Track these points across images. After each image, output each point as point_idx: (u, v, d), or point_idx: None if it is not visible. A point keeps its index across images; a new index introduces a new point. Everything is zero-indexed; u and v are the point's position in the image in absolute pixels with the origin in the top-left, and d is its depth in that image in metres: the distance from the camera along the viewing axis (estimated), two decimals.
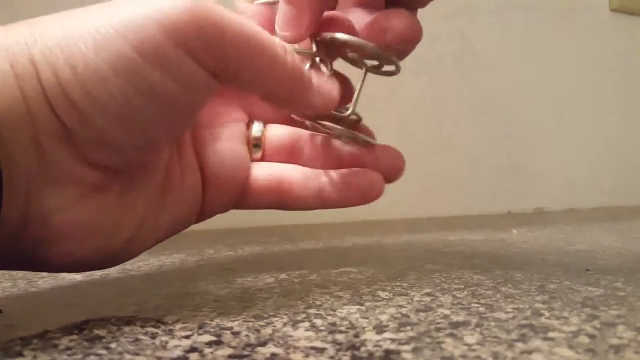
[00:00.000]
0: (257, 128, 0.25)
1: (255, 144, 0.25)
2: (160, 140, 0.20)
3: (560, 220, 0.62)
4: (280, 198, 0.25)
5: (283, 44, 0.20)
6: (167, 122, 0.19)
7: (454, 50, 0.73)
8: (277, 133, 0.26)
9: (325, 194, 0.24)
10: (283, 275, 0.26)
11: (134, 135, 0.18)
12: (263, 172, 0.24)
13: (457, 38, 0.73)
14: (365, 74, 0.25)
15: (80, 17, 0.18)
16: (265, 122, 0.26)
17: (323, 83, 0.22)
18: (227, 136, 0.24)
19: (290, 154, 0.25)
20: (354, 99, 0.25)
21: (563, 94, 0.82)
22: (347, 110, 0.24)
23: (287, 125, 0.26)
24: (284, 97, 0.21)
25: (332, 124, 0.24)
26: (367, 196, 0.25)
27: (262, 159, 0.25)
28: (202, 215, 0.24)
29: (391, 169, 0.25)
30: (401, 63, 0.25)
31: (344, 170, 0.25)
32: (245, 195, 0.24)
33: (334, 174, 0.25)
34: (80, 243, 0.18)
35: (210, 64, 0.18)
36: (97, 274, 0.28)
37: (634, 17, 0.88)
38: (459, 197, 0.71)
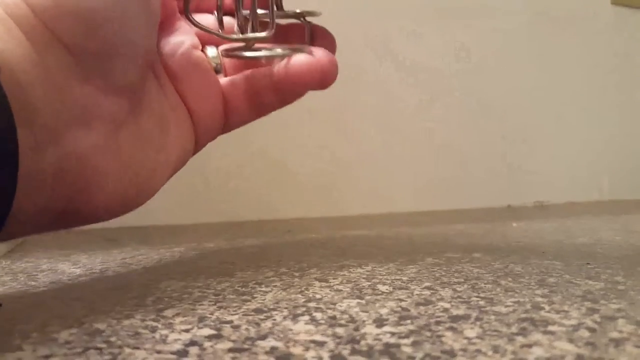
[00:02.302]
0: (212, 52, 0.26)
1: (217, 63, 0.26)
2: (149, 40, 0.21)
3: (560, 214, 0.62)
4: (254, 105, 0.27)
5: None
6: (144, 8, 0.20)
7: (455, 46, 0.73)
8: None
9: (291, 71, 0.25)
10: (283, 269, 0.26)
11: (129, 31, 0.19)
12: (232, 85, 0.26)
13: (457, 35, 0.73)
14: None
15: None
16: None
17: None
18: (194, 67, 0.25)
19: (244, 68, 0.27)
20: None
21: (563, 89, 0.82)
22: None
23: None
24: None
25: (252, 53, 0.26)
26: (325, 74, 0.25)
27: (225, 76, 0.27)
28: (197, 145, 0.26)
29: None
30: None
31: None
32: (228, 115, 0.26)
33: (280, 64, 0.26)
34: (117, 181, 0.20)
35: None
36: (96, 268, 0.28)
37: (635, 10, 0.87)
38: (459, 190, 0.71)
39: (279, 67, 0.26)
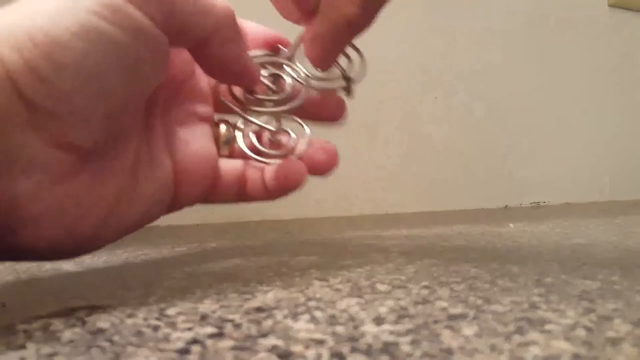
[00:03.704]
0: (226, 128, 0.28)
1: (225, 141, 0.28)
2: (122, 106, 0.20)
3: (556, 215, 0.62)
4: (241, 192, 0.27)
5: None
6: (127, 78, 0.19)
7: (454, 46, 0.73)
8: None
9: (267, 184, 0.27)
10: (283, 269, 0.27)
11: (98, 98, 0.19)
12: (230, 167, 0.27)
13: (457, 33, 0.73)
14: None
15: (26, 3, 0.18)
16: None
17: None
18: (198, 132, 0.26)
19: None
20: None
21: (562, 90, 0.82)
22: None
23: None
24: (222, 42, 0.23)
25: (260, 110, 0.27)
26: (287, 187, 0.27)
27: (229, 156, 0.28)
28: (171, 208, 0.25)
29: (324, 164, 0.28)
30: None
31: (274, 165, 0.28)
32: (214, 189, 0.27)
33: (269, 168, 0.27)
34: (49, 228, 0.19)
35: (159, 18, 0.20)
36: (99, 266, 0.28)
37: (632, 12, 0.88)
38: (456, 191, 0.72)
39: (272, 171, 0.27)
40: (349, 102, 0.28)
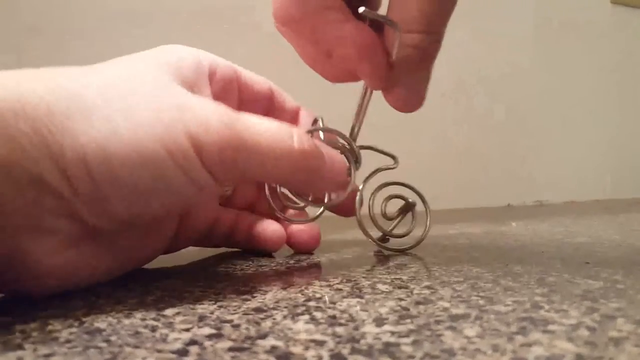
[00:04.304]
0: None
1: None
2: (154, 216, 0.21)
3: (559, 213, 0.62)
4: (230, 239, 0.30)
5: (299, 139, 0.22)
6: (168, 205, 0.21)
7: (454, 47, 0.73)
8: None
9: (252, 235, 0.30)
10: (283, 269, 0.27)
11: (133, 209, 0.20)
12: (230, 216, 0.30)
13: (461, 33, 0.73)
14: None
15: (125, 101, 0.19)
16: None
17: (336, 165, 0.24)
18: None
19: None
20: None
21: (563, 90, 0.82)
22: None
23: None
24: (295, 186, 0.26)
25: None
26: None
27: (225, 205, 0.30)
28: (165, 252, 0.27)
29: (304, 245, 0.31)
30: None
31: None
32: (210, 236, 0.29)
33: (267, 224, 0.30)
34: (56, 281, 0.19)
35: (220, 177, 0.21)
36: None
37: (635, 9, 0.87)
38: (458, 190, 0.71)
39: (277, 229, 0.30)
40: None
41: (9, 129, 0.17)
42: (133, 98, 0.19)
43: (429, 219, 0.32)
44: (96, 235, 0.20)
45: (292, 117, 0.30)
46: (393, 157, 0.32)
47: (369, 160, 0.30)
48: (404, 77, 0.24)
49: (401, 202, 0.32)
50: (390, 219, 0.32)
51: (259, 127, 0.21)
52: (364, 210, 0.30)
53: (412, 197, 0.32)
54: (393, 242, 0.32)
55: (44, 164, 0.17)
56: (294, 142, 0.22)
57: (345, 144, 0.28)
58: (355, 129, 0.29)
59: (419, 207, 0.32)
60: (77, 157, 0.18)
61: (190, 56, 0.24)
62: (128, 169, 0.18)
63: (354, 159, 0.28)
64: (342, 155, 0.28)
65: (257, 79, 0.28)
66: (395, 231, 0.32)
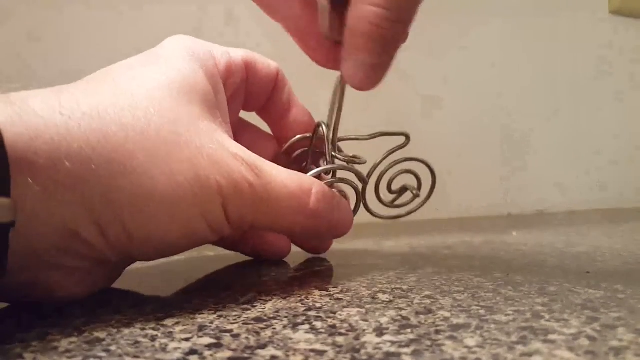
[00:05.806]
0: None
1: None
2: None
3: (560, 223, 0.62)
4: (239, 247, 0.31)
5: (317, 190, 0.23)
6: (187, 249, 0.22)
7: (454, 49, 0.73)
8: None
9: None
10: (283, 278, 0.26)
11: (158, 255, 0.22)
12: None
13: (459, 39, 0.73)
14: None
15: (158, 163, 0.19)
16: None
17: (344, 216, 0.26)
18: None
19: None
20: None
21: (566, 98, 0.82)
22: None
23: None
24: (300, 237, 0.30)
25: None
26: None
27: None
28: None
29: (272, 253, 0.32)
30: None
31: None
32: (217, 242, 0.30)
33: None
34: (69, 297, 0.20)
35: (235, 227, 0.22)
36: None
37: (634, 19, 0.88)
38: (458, 199, 0.71)
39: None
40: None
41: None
42: (166, 147, 0.19)
43: (431, 190, 0.32)
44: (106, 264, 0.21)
45: (287, 102, 0.30)
46: (404, 134, 0.31)
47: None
48: (354, 52, 0.23)
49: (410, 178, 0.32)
50: (394, 193, 0.32)
51: (281, 183, 0.22)
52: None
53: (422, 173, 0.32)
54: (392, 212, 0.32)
55: (82, 220, 0.18)
56: (309, 203, 0.23)
57: (359, 184, 0.29)
58: (334, 121, 0.28)
59: (426, 182, 0.32)
60: (114, 216, 0.18)
61: (203, 68, 0.23)
62: (163, 231, 0.19)
63: (363, 184, 0.29)
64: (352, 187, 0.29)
65: (266, 65, 0.28)
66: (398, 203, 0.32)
